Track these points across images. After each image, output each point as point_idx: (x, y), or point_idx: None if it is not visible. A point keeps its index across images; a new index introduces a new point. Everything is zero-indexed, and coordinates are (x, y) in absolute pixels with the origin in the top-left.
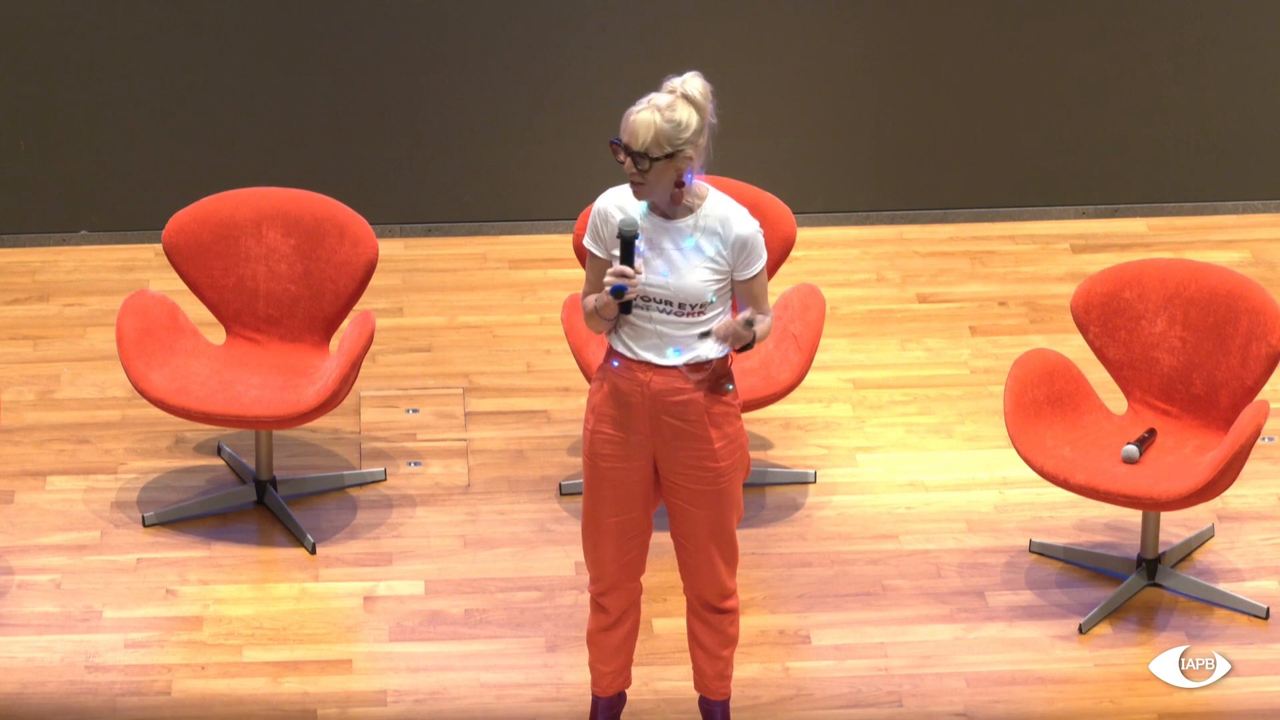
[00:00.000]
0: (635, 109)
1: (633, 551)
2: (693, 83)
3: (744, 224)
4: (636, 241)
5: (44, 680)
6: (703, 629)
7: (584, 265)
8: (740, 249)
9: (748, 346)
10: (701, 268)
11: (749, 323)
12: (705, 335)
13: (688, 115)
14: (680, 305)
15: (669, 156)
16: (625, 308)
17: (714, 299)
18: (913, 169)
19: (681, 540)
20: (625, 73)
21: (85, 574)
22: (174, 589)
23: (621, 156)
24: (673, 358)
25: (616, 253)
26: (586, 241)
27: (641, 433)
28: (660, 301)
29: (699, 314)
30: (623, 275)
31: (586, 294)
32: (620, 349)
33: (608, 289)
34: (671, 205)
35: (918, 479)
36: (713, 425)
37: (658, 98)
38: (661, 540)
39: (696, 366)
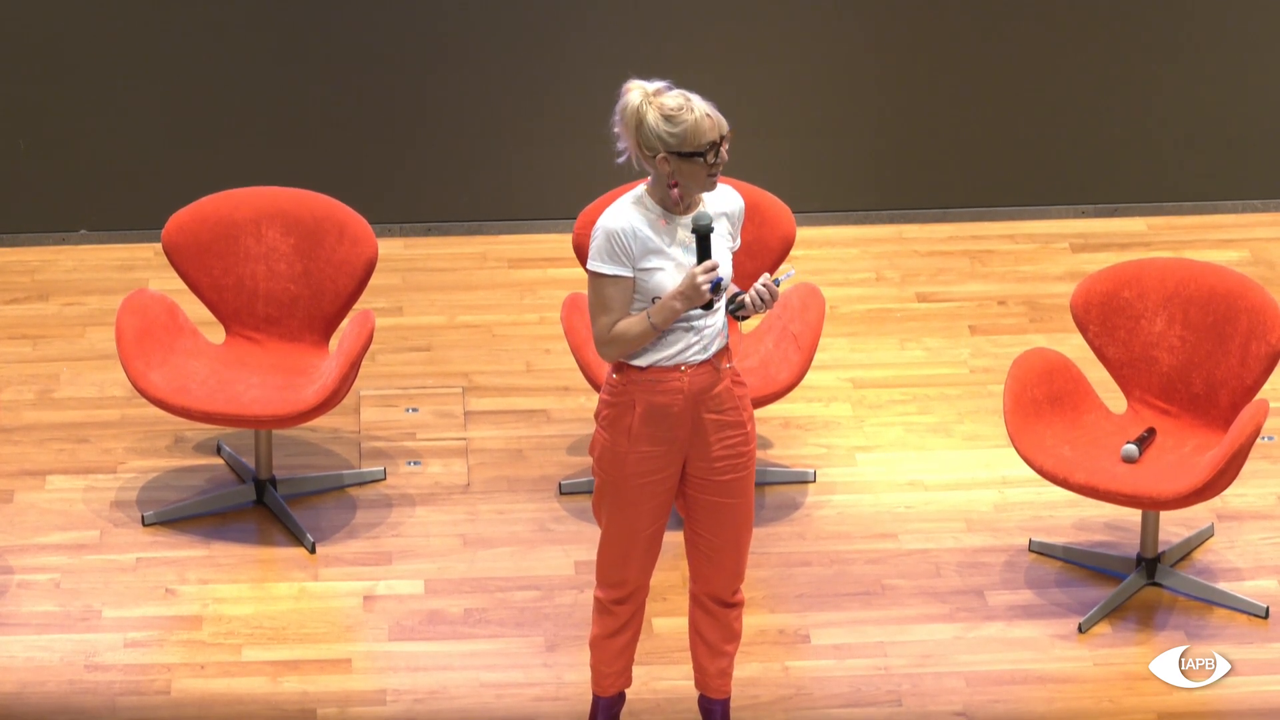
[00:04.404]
0: (692, 110)
1: (656, 554)
2: (644, 88)
3: (737, 196)
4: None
5: (43, 680)
6: (709, 624)
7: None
8: (740, 220)
9: (743, 318)
10: (725, 250)
11: (776, 282)
12: (738, 309)
13: None
14: (721, 292)
15: None
16: (708, 303)
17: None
18: (912, 169)
19: (708, 536)
20: (625, 73)
21: (85, 573)
22: (173, 588)
23: (712, 157)
24: (708, 351)
25: (650, 265)
26: (608, 268)
27: (681, 440)
28: None
29: (723, 296)
30: (712, 268)
31: (615, 322)
32: (648, 364)
33: (704, 287)
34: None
35: (917, 478)
36: (743, 408)
37: (671, 91)
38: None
39: (721, 353)
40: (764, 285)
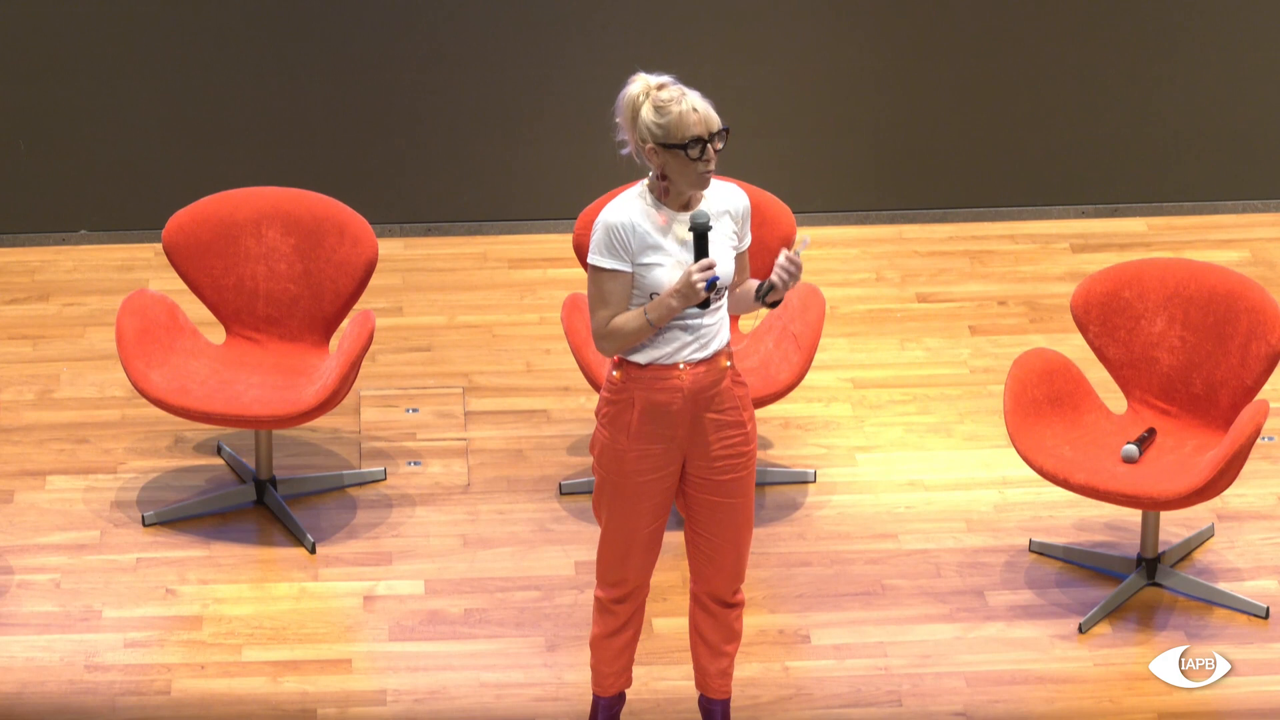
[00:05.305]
0: (684, 103)
1: (656, 553)
2: (646, 81)
3: (742, 195)
4: (709, 231)
5: (43, 680)
6: (710, 624)
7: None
8: (746, 218)
9: (776, 303)
10: (728, 247)
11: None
12: (767, 295)
13: None
14: (719, 291)
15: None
16: (704, 302)
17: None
18: (912, 169)
19: (708, 535)
20: (625, 73)
21: (85, 573)
22: (173, 588)
23: (697, 152)
24: (707, 350)
25: (649, 261)
26: (607, 262)
27: (680, 438)
28: None
29: (721, 296)
30: (708, 267)
31: (613, 316)
32: (647, 361)
33: (700, 285)
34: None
35: (917, 478)
36: (743, 408)
37: (672, 86)
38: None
39: (721, 353)
40: (787, 260)
